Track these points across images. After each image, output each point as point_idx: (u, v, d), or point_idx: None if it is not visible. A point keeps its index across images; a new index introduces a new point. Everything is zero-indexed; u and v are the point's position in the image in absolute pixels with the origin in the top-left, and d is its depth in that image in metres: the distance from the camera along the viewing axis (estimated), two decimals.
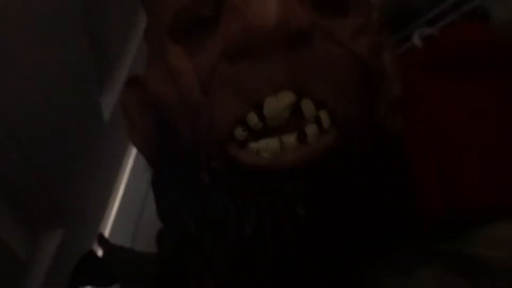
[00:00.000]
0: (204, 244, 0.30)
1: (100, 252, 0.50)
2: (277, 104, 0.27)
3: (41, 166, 0.55)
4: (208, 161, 0.29)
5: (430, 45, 0.49)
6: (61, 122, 0.60)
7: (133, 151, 0.87)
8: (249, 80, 0.27)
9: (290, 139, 0.27)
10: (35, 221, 0.58)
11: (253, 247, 0.28)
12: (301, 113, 0.27)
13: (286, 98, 0.27)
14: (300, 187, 0.27)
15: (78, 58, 0.62)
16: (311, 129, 0.28)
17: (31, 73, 0.53)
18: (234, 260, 0.29)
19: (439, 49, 0.47)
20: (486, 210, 0.31)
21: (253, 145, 0.28)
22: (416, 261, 0.31)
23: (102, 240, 0.50)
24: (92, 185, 0.72)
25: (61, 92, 0.59)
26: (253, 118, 0.27)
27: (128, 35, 0.87)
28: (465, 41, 0.45)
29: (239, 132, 0.28)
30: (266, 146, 0.27)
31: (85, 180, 0.69)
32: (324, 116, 0.28)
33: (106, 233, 0.78)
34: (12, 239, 0.53)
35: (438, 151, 0.35)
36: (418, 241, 0.31)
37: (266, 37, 0.26)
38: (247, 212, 0.28)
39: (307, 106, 0.27)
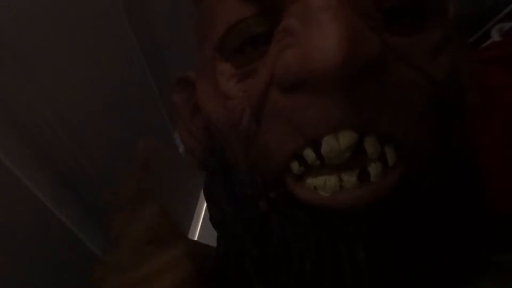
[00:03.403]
0: (267, 270, 0.29)
1: None
2: (337, 145, 0.24)
3: None
4: (266, 190, 0.28)
5: (510, 40, 0.44)
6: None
7: None
8: (305, 116, 0.24)
9: (350, 178, 0.25)
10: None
11: (311, 283, 0.26)
12: (364, 151, 0.25)
13: (347, 139, 0.24)
14: (361, 228, 0.25)
15: (147, 96, 0.65)
16: (374, 168, 0.25)
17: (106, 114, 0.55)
18: None
19: None
20: None
21: (311, 181, 0.26)
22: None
23: None
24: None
25: (133, 129, 0.61)
26: (310, 155, 0.25)
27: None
28: None
29: (296, 167, 0.26)
30: (324, 184, 0.25)
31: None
32: (390, 151, 0.25)
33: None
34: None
35: None
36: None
37: (326, 75, 0.22)
38: (308, 246, 0.26)
39: (371, 145, 0.25)
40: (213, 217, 0.33)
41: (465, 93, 0.29)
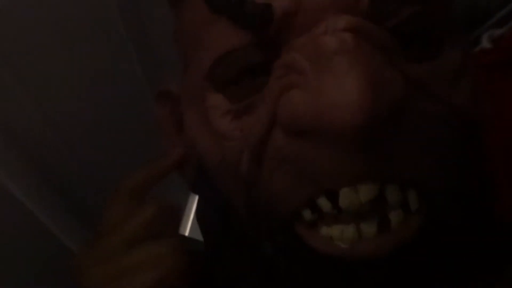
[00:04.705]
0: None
1: None
2: (356, 198, 0.22)
3: None
4: (270, 234, 0.26)
5: (500, 46, 0.44)
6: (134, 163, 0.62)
7: None
8: (318, 166, 0.22)
9: (370, 228, 0.23)
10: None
11: None
12: (384, 198, 0.23)
13: (368, 192, 0.22)
14: (380, 278, 0.23)
15: (139, 99, 0.64)
16: (395, 216, 0.23)
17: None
18: None
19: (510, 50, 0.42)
20: None
21: (325, 230, 0.24)
22: None
23: None
24: None
25: (130, 134, 0.60)
26: (325, 205, 0.23)
27: None
28: None
29: (308, 215, 0.24)
30: (341, 235, 0.23)
31: None
32: (412, 196, 0.23)
33: None
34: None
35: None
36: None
37: (345, 131, 0.19)
38: None
39: (393, 193, 0.22)
40: (207, 245, 0.32)
41: (483, 112, 0.26)
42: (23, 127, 0.50)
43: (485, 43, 0.48)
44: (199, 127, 0.27)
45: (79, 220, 0.56)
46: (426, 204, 0.23)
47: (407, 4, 0.22)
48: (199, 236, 0.36)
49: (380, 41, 0.21)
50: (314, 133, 0.21)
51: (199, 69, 0.26)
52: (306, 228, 0.24)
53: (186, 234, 0.80)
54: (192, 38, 0.27)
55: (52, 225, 0.53)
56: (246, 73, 0.24)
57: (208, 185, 0.29)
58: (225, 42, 0.24)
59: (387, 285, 0.23)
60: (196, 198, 0.80)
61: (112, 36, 0.60)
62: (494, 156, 0.31)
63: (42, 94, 0.51)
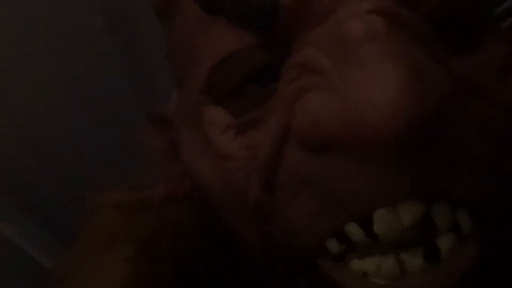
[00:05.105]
0: None
1: None
2: (396, 221, 0.18)
3: None
4: (292, 276, 0.21)
5: None
6: (116, 168, 0.60)
7: None
8: (345, 186, 0.18)
9: (415, 259, 0.18)
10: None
11: None
12: (431, 220, 0.18)
13: (412, 213, 0.18)
14: None
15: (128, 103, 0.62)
16: (446, 241, 0.18)
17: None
18: None
19: None
20: None
21: (358, 264, 0.19)
22: None
23: None
24: None
25: (114, 138, 0.57)
26: (355, 232, 0.18)
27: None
28: None
29: (335, 246, 0.19)
30: (378, 269, 0.19)
31: None
32: (464, 217, 0.19)
33: None
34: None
35: None
36: None
37: (383, 140, 0.16)
38: None
39: (441, 213, 0.18)
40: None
41: None
42: None
43: None
44: (197, 149, 0.23)
45: (48, 233, 0.55)
46: (482, 227, 0.19)
47: None
48: None
49: (415, 28, 0.18)
50: (341, 146, 0.17)
51: (195, 81, 0.22)
52: (332, 263, 0.20)
53: None
54: (185, 50, 0.23)
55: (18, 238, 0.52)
56: (250, 81, 0.20)
57: (211, 220, 0.25)
58: (223, 46, 0.20)
59: None
60: None
61: (95, 39, 0.56)
62: None
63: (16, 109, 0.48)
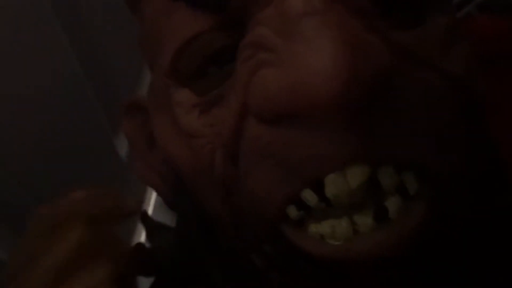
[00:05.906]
0: None
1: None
2: (345, 184, 0.19)
3: None
4: (259, 243, 0.23)
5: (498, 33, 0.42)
6: (77, 168, 0.59)
7: None
8: (299, 154, 0.19)
9: (366, 219, 0.20)
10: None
11: None
12: (378, 184, 0.20)
13: (358, 175, 0.19)
14: (380, 279, 0.21)
15: (86, 101, 0.62)
16: (393, 202, 0.20)
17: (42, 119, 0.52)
18: None
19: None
20: None
21: (315, 228, 0.21)
22: None
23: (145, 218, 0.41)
24: None
25: (73, 138, 0.58)
26: (311, 198, 0.20)
27: (140, 70, 0.87)
28: (487, 36, 0.39)
29: (294, 212, 0.21)
30: (333, 231, 0.20)
31: None
32: (409, 178, 0.20)
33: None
34: None
35: None
36: None
37: (325, 105, 0.17)
38: None
39: (387, 176, 0.20)
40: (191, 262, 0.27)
41: (478, 83, 0.23)
42: None
43: (472, 9, 0.46)
44: (168, 132, 0.24)
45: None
46: (428, 189, 0.21)
47: None
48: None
49: (355, 3, 0.19)
50: (292, 116, 0.18)
51: (162, 65, 0.23)
52: (293, 228, 0.21)
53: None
54: (153, 36, 0.24)
55: None
56: (211, 62, 0.22)
57: (187, 199, 0.26)
58: (185, 30, 0.22)
59: (388, 287, 0.21)
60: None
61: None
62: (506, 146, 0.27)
63: None
